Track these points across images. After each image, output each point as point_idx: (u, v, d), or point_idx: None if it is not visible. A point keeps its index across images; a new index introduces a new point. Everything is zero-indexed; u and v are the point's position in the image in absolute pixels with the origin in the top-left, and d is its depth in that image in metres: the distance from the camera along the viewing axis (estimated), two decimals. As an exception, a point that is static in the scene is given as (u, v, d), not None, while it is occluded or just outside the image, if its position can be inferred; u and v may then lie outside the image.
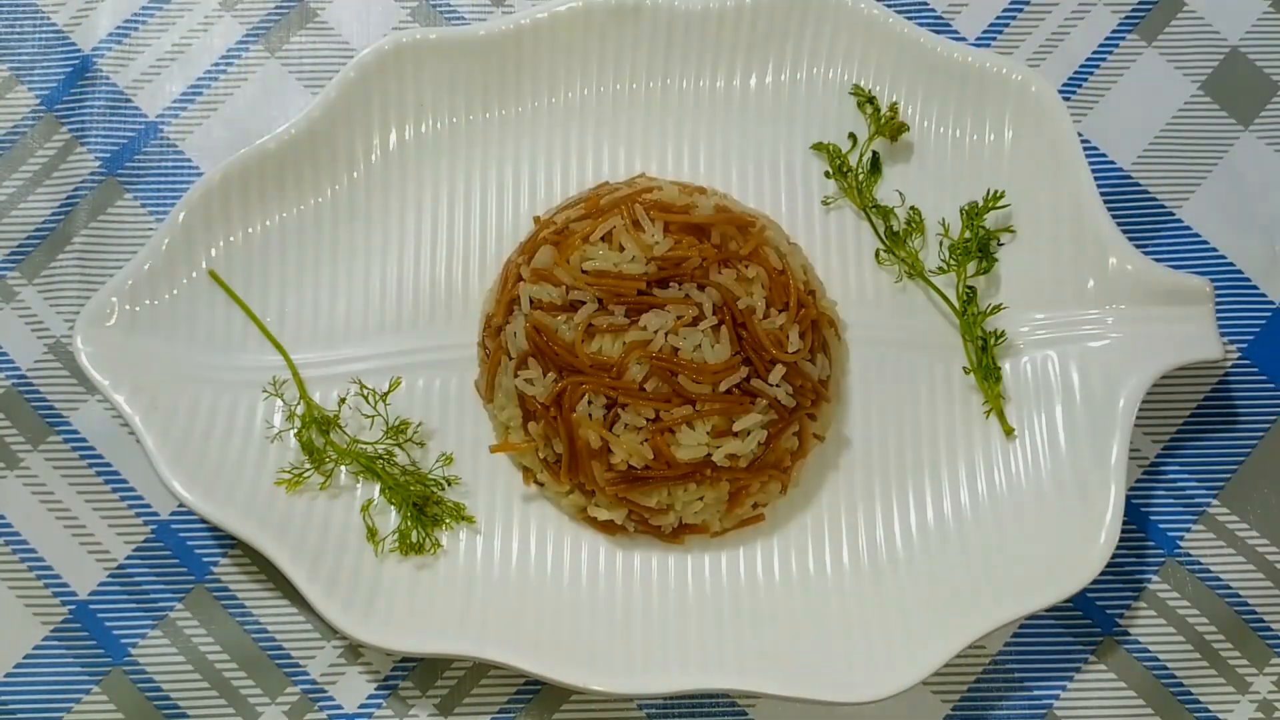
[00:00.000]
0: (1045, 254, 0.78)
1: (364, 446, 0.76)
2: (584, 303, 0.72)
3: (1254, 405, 0.80)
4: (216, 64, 0.86)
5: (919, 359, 0.78)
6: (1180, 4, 0.87)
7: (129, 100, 0.85)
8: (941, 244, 0.80)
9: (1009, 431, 0.76)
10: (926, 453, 0.77)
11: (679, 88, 0.82)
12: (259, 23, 0.86)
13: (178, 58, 0.86)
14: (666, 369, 0.71)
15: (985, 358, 0.77)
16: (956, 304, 0.78)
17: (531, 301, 0.74)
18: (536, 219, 0.80)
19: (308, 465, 0.75)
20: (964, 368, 0.78)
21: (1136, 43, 0.86)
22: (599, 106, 0.82)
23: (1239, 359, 0.81)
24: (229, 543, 0.78)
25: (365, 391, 0.77)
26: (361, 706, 0.75)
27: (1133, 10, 0.87)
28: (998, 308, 0.78)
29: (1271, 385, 0.81)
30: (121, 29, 0.86)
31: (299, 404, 0.76)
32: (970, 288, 0.79)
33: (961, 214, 0.79)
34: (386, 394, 0.77)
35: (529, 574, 0.74)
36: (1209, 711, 0.76)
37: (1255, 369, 0.81)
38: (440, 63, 0.80)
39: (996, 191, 0.78)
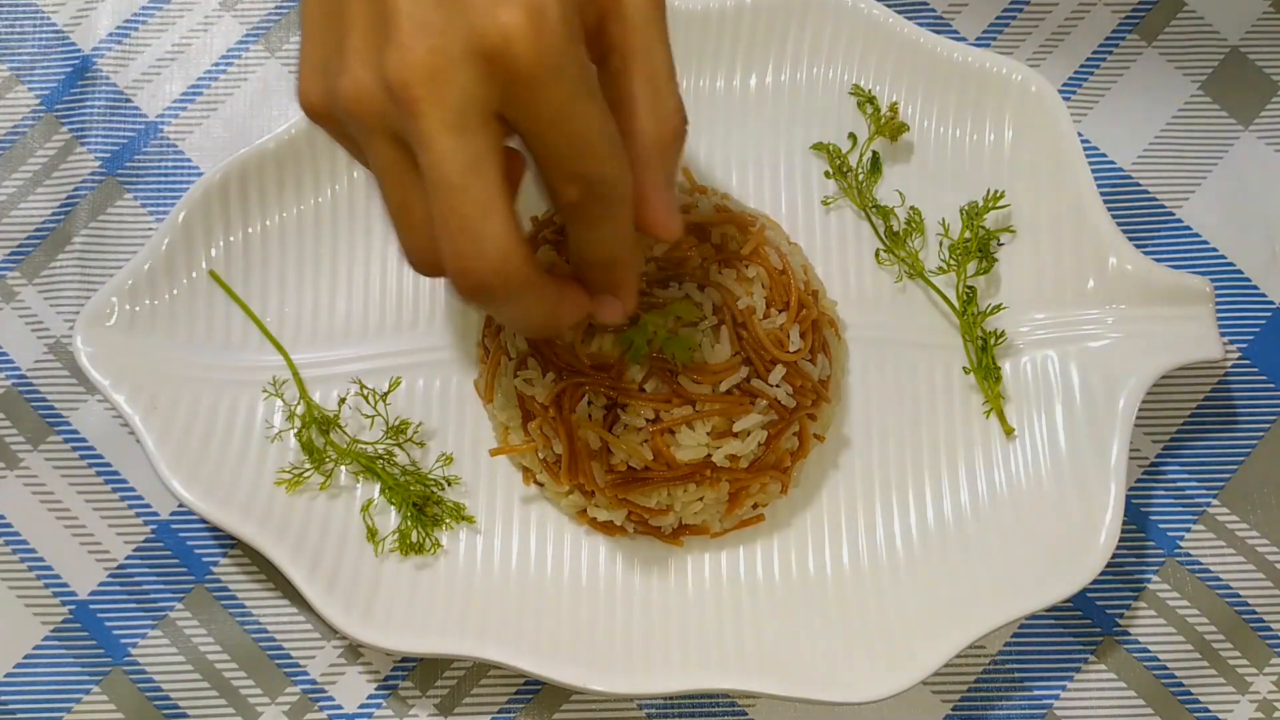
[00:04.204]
0: (1045, 254, 0.78)
1: (364, 446, 0.76)
2: (584, 303, 0.72)
3: (1254, 405, 0.80)
4: (216, 64, 0.86)
5: (919, 359, 0.79)
6: (1180, 4, 0.87)
7: (129, 100, 0.85)
8: (941, 244, 0.80)
9: (1009, 431, 0.76)
10: (926, 453, 0.77)
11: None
12: (259, 23, 0.86)
13: (178, 58, 0.86)
14: (666, 369, 0.71)
15: (985, 358, 0.77)
16: (956, 304, 0.78)
17: (531, 301, 0.74)
18: (535, 219, 0.80)
19: (308, 465, 0.75)
20: (964, 368, 0.78)
21: (1136, 43, 0.86)
22: (599, 106, 0.81)
23: (1239, 359, 0.81)
24: (229, 543, 0.78)
25: (365, 391, 0.77)
26: (361, 706, 0.75)
27: (1133, 10, 0.87)
28: (998, 308, 0.78)
29: (1271, 385, 0.81)
30: (121, 29, 0.86)
31: (299, 404, 0.76)
32: (970, 288, 0.79)
33: (961, 214, 0.79)
34: (386, 394, 0.77)
35: (529, 574, 0.74)
36: (1209, 711, 0.76)
37: (1255, 369, 0.81)
38: (440, 63, 0.79)
39: (996, 191, 0.78)
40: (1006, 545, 0.74)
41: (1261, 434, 0.80)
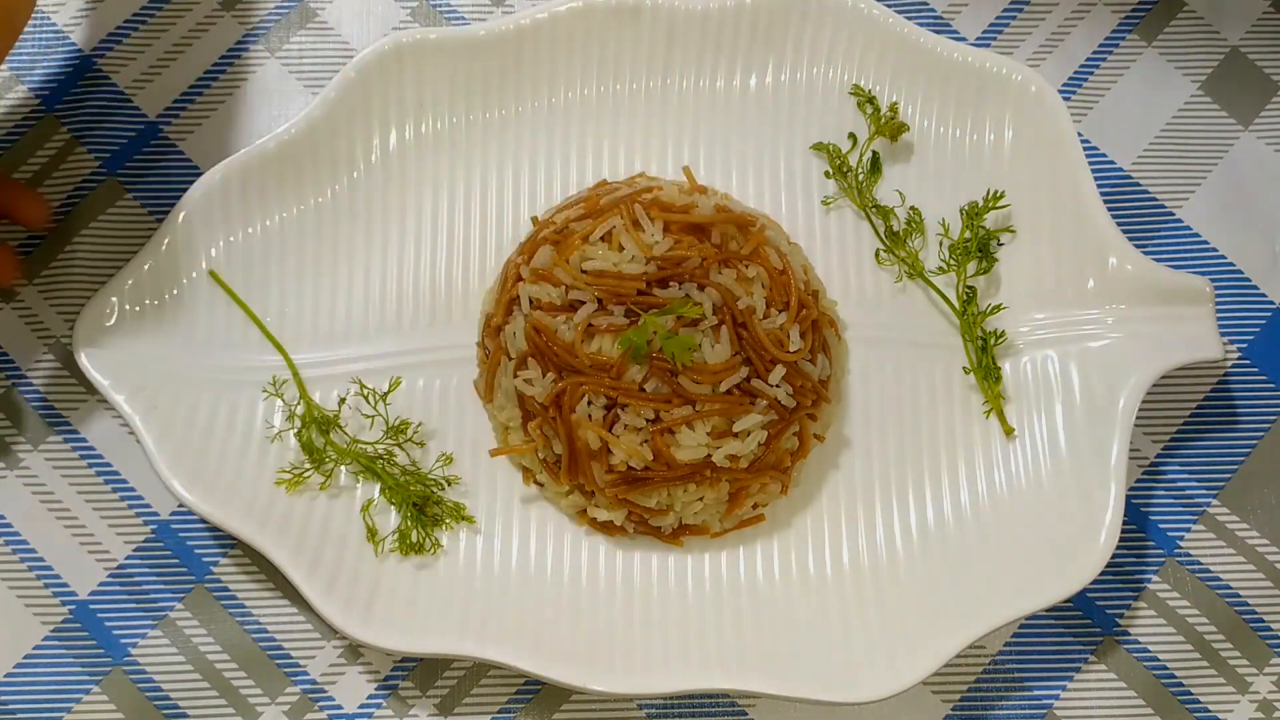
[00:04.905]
0: (1045, 254, 0.78)
1: (364, 446, 0.76)
2: (584, 303, 0.72)
3: (1254, 405, 0.80)
4: (216, 64, 0.86)
5: (919, 359, 0.79)
6: (1180, 4, 0.87)
7: (129, 100, 0.85)
8: (941, 244, 0.80)
9: (1009, 431, 0.76)
10: (926, 453, 0.77)
11: (679, 88, 0.82)
12: (259, 23, 0.86)
13: (178, 58, 0.86)
14: (666, 369, 0.71)
15: (985, 358, 0.77)
16: (956, 304, 0.78)
17: (531, 301, 0.74)
18: (535, 219, 0.80)
19: (308, 465, 0.75)
20: (964, 368, 0.78)
21: (1136, 43, 0.86)
22: (599, 106, 0.82)
23: (1239, 359, 0.81)
24: (229, 543, 0.78)
25: (365, 391, 0.77)
26: (361, 706, 0.75)
27: (1133, 10, 0.87)
28: (998, 308, 0.78)
29: (1271, 385, 0.81)
30: (121, 29, 0.86)
31: (299, 404, 0.76)
32: (970, 288, 0.79)
33: (961, 214, 0.79)
34: (386, 394, 0.77)
35: (529, 574, 0.74)
36: (1209, 711, 0.76)
37: (1255, 369, 0.81)
38: (440, 63, 0.80)
39: (996, 191, 0.78)
40: (1006, 545, 0.74)
41: (1261, 434, 0.80)
